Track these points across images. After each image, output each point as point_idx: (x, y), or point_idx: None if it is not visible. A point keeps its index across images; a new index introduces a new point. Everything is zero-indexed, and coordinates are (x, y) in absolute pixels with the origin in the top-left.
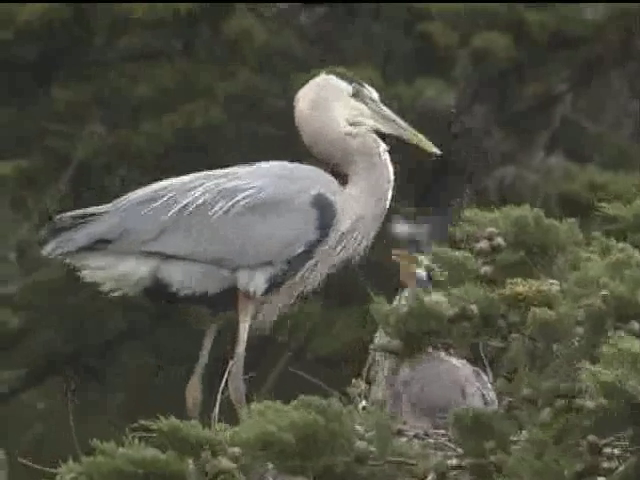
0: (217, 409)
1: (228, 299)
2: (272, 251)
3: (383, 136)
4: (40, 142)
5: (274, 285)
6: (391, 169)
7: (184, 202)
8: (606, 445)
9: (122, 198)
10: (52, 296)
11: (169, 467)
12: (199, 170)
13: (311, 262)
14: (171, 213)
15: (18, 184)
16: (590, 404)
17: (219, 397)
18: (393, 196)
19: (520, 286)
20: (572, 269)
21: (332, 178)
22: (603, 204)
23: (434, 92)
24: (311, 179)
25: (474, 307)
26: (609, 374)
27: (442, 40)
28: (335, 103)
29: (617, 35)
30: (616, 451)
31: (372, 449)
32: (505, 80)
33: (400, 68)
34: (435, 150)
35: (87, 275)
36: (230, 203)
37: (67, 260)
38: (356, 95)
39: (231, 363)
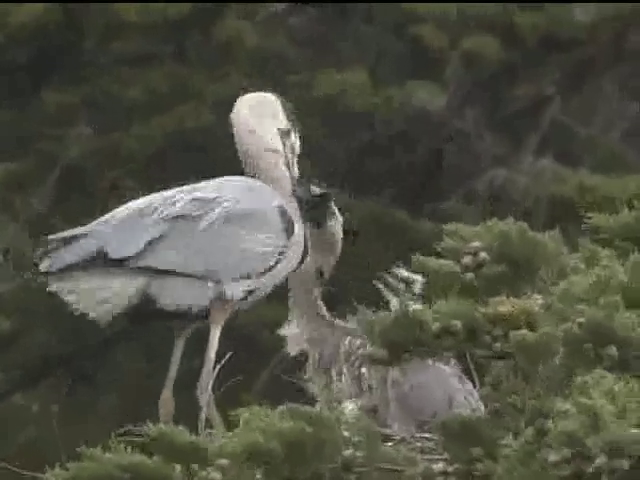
0: (204, 414)
1: (206, 310)
2: (252, 263)
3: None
4: (32, 145)
5: (249, 294)
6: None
7: (169, 215)
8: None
9: (105, 216)
10: (43, 298)
11: (156, 472)
12: (191, 172)
13: (277, 270)
14: (158, 227)
15: (6, 186)
16: (554, 457)
17: (207, 403)
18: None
19: (502, 304)
20: (558, 279)
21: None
22: (591, 214)
23: (425, 94)
24: (268, 192)
25: (458, 322)
26: (573, 424)
27: (433, 42)
28: (265, 121)
29: (608, 37)
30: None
31: (359, 455)
32: (496, 82)
33: (391, 70)
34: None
35: (74, 300)
36: (213, 215)
37: (55, 284)
38: (284, 134)
39: (217, 366)
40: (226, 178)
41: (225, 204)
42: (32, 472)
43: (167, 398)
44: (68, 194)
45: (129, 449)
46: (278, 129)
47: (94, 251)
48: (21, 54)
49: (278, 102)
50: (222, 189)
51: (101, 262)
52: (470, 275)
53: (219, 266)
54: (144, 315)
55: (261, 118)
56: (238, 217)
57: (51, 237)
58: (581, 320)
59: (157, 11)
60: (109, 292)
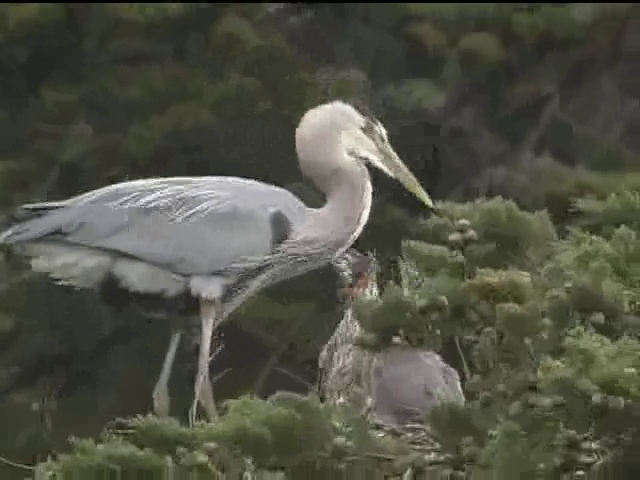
0: (195, 407)
1: (185, 303)
2: (225, 262)
3: None
4: (31, 144)
5: (229, 294)
6: (368, 204)
7: (143, 203)
8: (584, 439)
9: (84, 195)
10: (42, 297)
11: (147, 463)
12: (190, 172)
13: (264, 276)
14: (129, 213)
15: (6, 185)
16: (546, 401)
17: (197, 395)
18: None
19: (490, 276)
20: (546, 262)
21: (296, 199)
22: (577, 199)
23: (423, 94)
24: (272, 197)
25: (444, 298)
26: (564, 370)
27: (431, 42)
28: (343, 132)
29: (606, 36)
30: (594, 445)
31: (350, 444)
32: (494, 81)
33: (389, 70)
34: (429, 203)
35: (38, 264)
36: (190, 211)
37: (20, 249)
38: (367, 130)
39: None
40: (231, 179)
41: (206, 203)
42: (23, 465)
43: (161, 394)
44: (67, 193)
45: (120, 441)
46: (359, 128)
47: (53, 230)
48: (20, 53)
49: (349, 107)
50: (213, 188)
51: (60, 240)
52: (458, 253)
53: (185, 260)
54: (115, 295)
55: (332, 130)
56: (217, 216)
57: (20, 207)
58: (568, 285)
59: (156, 10)
60: (70, 263)
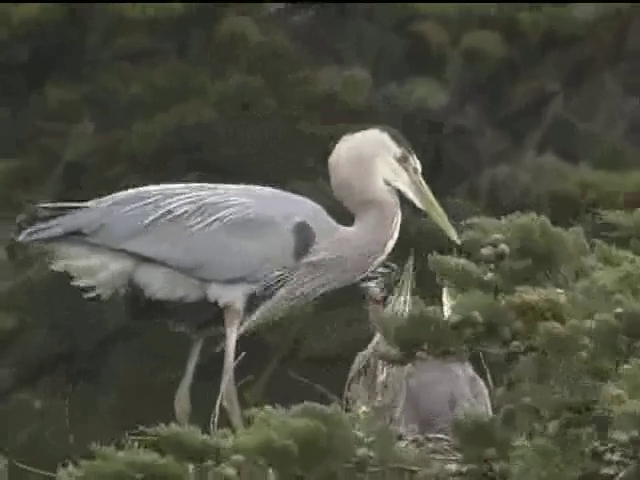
0: (217, 414)
1: (212, 313)
2: (245, 268)
3: None
4: (34, 142)
5: (253, 302)
6: (396, 235)
7: (165, 208)
8: (606, 451)
9: (106, 197)
10: (44, 296)
11: (168, 471)
12: (191, 170)
13: (287, 287)
14: (150, 216)
15: (9, 183)
16: (623, 437)
17: (218, 402)
18: None
19: (529, 294)
20: (577, 277)
21: (325, 214)
22: (604, 211)
23: (426, 92)
24: (297, 207)
25: (477, 314)
26: (636, 404)
27: (434, 40)
28: (378, 160)
29: (609, 34)
30: (616, 457)
31: (373, 455)
32: (497, 79)
33: (392, 68)
34: (456, 239)
35: (58, 264)
36: (212, 217)
37: (38, 249)
38: (401, 160)
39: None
40: (257, 187)
41: (228, 210)
42: (37, 469)
43: (183, 399)
44: (71, 191)
45: (141, 448)
46: (394, 158)
47: (73, 230)
48: (22, 51)
49: (385, 135)
50: (237, 195)
51: (80, 240)
52: (491, 270)
53: (203, 265)
54: (142, 308)
55: (368, 157)
56: (238, 223)
57: (40, 205)
58: (619, 311)
59: (160, 8)
60: (89, 264)
